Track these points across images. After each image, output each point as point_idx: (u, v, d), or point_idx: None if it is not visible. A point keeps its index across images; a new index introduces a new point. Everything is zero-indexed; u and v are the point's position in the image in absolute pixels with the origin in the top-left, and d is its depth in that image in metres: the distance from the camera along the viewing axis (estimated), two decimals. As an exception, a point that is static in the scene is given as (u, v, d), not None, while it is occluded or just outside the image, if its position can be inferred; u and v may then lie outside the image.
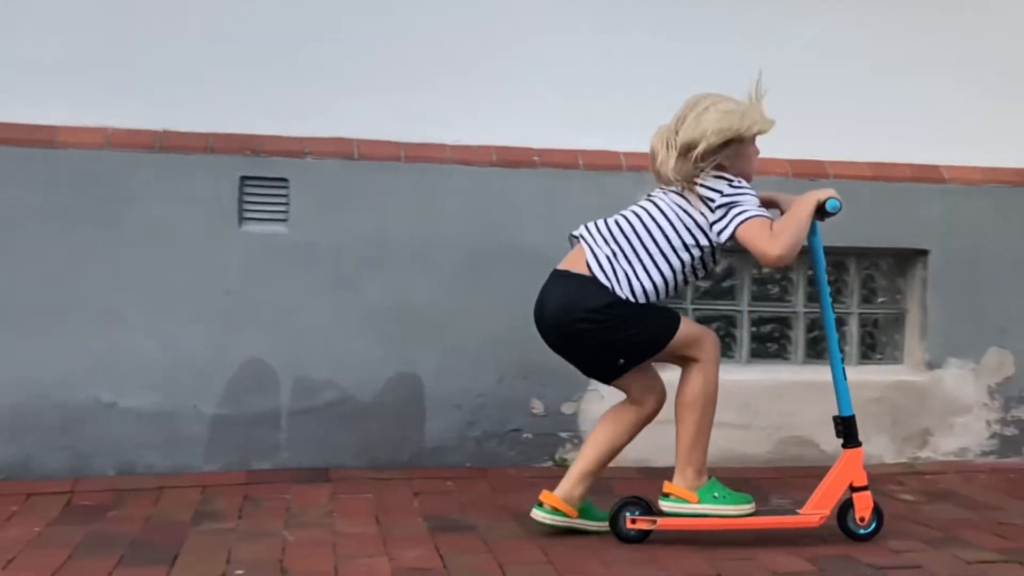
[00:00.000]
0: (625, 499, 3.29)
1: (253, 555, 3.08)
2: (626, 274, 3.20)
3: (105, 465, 3.93)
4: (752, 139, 3.27)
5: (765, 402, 4.24)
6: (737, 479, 3.54)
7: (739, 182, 3.21)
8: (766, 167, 3.68)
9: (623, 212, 3.32)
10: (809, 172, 4.30)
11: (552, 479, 3.42)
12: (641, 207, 3.31)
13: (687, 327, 3.28)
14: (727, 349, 4.35)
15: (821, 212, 3.23)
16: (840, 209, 3.22)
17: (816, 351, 4.46)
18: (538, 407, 4.17)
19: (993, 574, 2.98)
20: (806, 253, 3.31)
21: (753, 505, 3.28)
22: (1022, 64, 4.47)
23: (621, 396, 3.40)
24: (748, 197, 3.19)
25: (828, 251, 3.20)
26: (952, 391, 4.42)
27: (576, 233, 3.33)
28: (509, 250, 4.14)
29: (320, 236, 4.06)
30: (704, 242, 3.23)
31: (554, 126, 4.19)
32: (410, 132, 4.12)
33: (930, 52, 4.42)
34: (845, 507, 3.29)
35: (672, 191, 3.27)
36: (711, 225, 3.20)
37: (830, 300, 3.36)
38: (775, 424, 4.28)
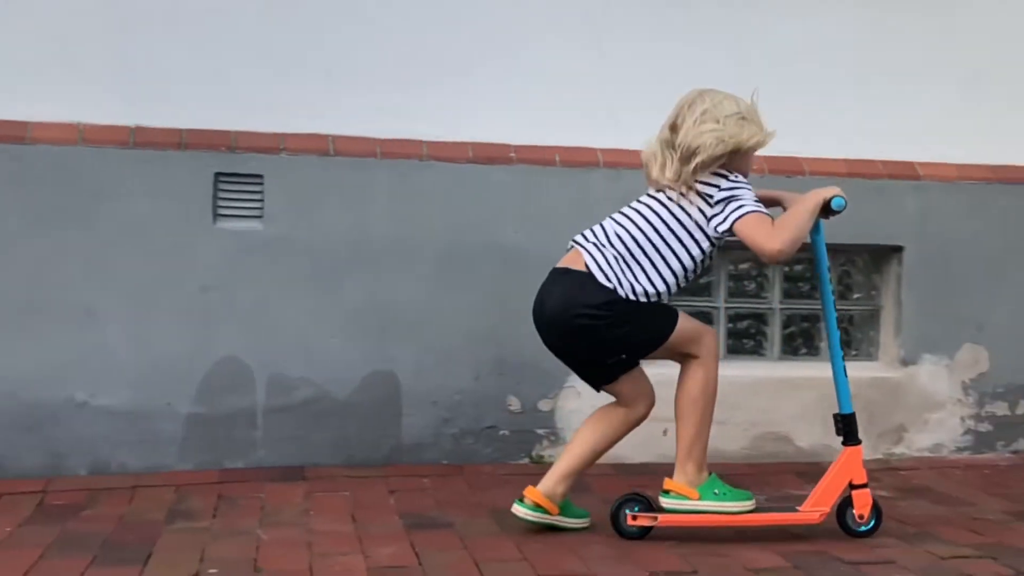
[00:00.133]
0: (626, 495, 3.27)
1: (227, 554, 3.06)
2: (628, 278, 3.18)
3: (78, 464, 3.90)
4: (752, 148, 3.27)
5: (741, 398, 4.24)
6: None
7: (736, 176, 3.20)
8: (742, 164, 3.68)
9: (619, 218, 3.27)
10: (785, 169, 4.31)
11: (528, 476, 3.42)
12: (638, 212, 3.25)
13: (686, 323, 3.27)
14: (703, 346, 4.35)
15: (826, 210, 3.22)
16: (845, 207, 3.20)
17: (792, 347, 4.48)
18: (515, 404, 4.17)
19: (967, 569, 2.99)
20: (803, 250, 3.28)
21: (754, 502, 3.27)
22: (995, 62, 4.49)
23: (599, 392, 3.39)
24: (746, 192, 3.18)
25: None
26: (927, 387, 4.44)
27: (573, 242, 3.29)
28: (486, 247, 4.13)
29: (296, 233, 4.04)
30: (706, 244, 3.22)
31: (531, 123, 4.18)
32: (386, 128, 4.10)
33: (905, 51, 4.44)
34: (844, 504, 3.29)
35: (669, 194, 3.24)
36: (709, 220, 3.19)
37: (832, 298, 3.34)
38: (751, 420, 4.29)
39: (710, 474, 3.28)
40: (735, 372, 4.29)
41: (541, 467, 3.71)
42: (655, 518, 3.23)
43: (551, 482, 3.29)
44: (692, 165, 3.16)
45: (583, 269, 3.21)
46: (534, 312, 3.31)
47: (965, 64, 4.47)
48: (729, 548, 3.15)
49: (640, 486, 3.41)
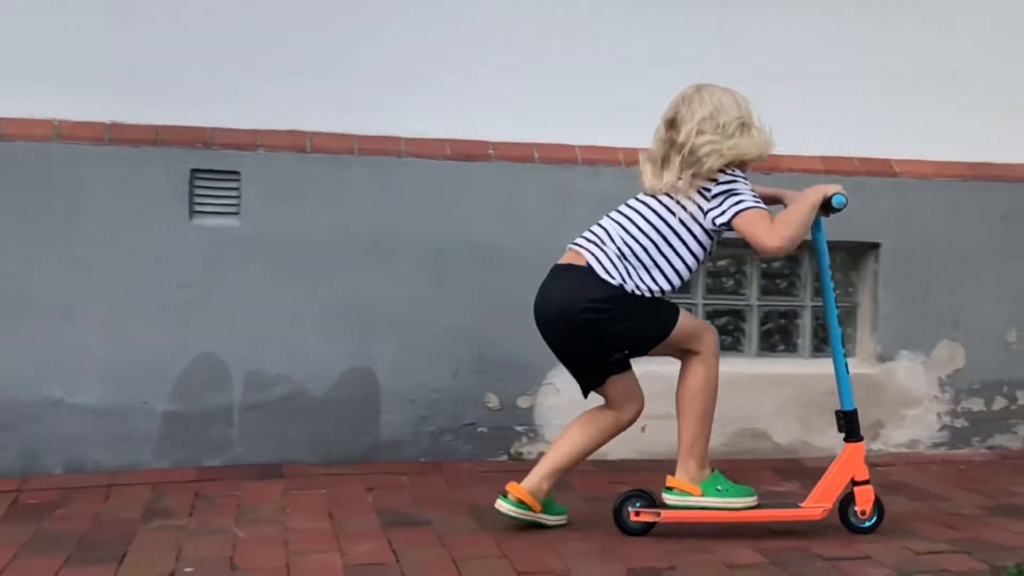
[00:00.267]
0: (628, 492, 3.27)
1: (203, 552, 3.04)
2: (631, 275, 3.17)
3: (53, 463, 3.87)
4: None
5: (719, 394, 4.23)
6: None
7: (733, 171, 3.20)
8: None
9: (619, 218, 3.25)
10: (763, 166, 4.28)
11: (507, 473, 3.41)
12: (638, 214, 3.23)
13: (686, 319, 3.27)
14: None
15: (827, 208, 3.23)
16: (846, 205, 3.21)
17: (769, 344, 4.49)
18: (493, 401, 4.16)
19: (942, 564, 3.01)
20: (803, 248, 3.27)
21: (756, 498, 3.27)
22: (971, 60, 4.51)
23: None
24: (744, 186, 3.18)
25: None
26: (903, 383, 4.46)
27: (572, 244, 3.28)
28: (465, 244, 4.12)
29: (273, 229, 4.02)
30: (706, 240, 3.22)
31: (509, 120, 4.17)
32: (364, 125, 4.09)
33: (882, 48, 4.45)
34: (846, 501, 3.30)
35: (667, 195, 3.22)
36: (706, 213, 3.19)
37: (834, 296, 3.34)
38: (729, 416, 4.29)
39: (712, 470, 3.28)
40: (713, 369, 4.30)
41: (520, 464, 3.71)
42: (658, 514, 3.23)
43: (536, 479, 3.28)
44: (691, 173, 3.16)
45: (585, 265, 3.21)
46: (535, 310, 3.28)
47: (942, 62, 4.49)
48: (708, 544, 3.16)
49: (620, 483, 3.41)
